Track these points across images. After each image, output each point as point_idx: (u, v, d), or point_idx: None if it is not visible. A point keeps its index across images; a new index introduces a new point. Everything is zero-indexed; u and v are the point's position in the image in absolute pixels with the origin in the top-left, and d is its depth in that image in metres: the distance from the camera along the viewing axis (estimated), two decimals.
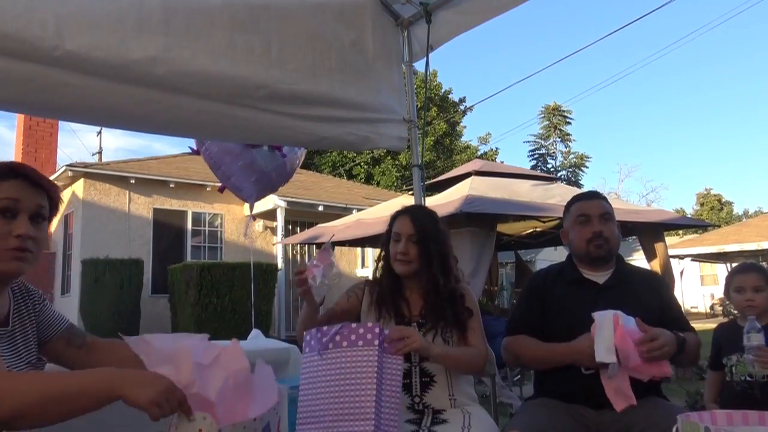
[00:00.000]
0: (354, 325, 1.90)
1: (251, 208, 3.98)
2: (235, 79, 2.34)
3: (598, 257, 2.25)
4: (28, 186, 1.48)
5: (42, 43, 1.92)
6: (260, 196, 3.74)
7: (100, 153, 24.37)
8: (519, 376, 6.60)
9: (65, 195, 13.23)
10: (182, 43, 2.22)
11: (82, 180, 12.22)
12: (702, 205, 49.16)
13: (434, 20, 2.97)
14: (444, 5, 2.92)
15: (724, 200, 49.33)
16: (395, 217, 2.30)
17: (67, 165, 12.17)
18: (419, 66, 3.28)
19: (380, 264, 2.34)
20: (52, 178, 12.73)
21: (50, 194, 1.54)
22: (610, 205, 2.35)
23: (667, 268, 7.73)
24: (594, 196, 2.38)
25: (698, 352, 2.17)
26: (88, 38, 2.01)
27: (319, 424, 1.78)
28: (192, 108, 2.30)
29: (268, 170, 3.51)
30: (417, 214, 2.29)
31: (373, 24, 2.92)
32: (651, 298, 2.22)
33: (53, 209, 1.57)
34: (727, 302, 19.51)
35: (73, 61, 1.99)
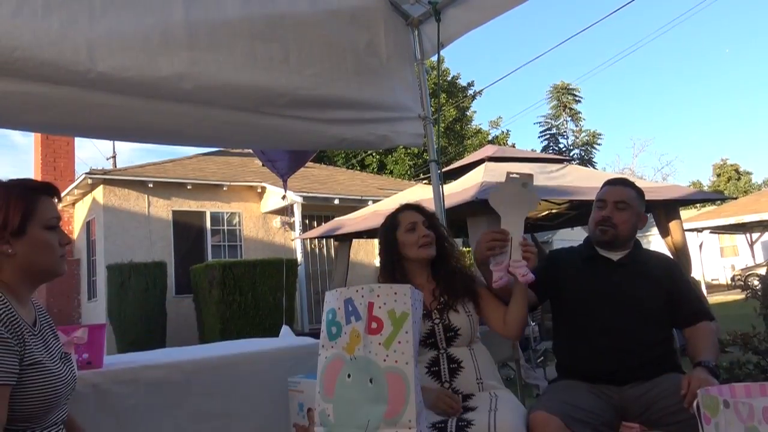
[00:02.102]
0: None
1: (285, 185, 4.08)
2: (258, 88, 2.44)
3: (601, 241, 2.36)
4: (55, 200, 1.69)
5: (76, 67, 2.03)
6: (291, 166, 3.83)
7: (114, 157, 24.63)
8: (542, 358, 6.69)
9: (86, 202, 13.47)
10: (206, 57, 2.32)
11: (101, 187, 12.41)
12: (719, 176, 48.65)
13: (444, 18, 3.04)
14: (453, 3, 2.98)
15: (741, 170, 48.76)
16: (396, 214, 2.42)
17: (87, 173, 12.36)
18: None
19: (387, 266, 2.38)
20: (71, 186, 12.98)
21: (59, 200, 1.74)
22: (636, 194, 2.43)
23: (682, 245, 7.69)
24: (618, 182, 2.47)
25: (717, 342, 2.21)
26: (119, 59, 2.11)
27: None
28: (219, 119, 2.41)
29: None
30: (415, 205, 2.46)
31: (385, 25, 3.00)
32: (662, 277, 2.31)
33: None
34: (749, 274, 19.37)
35: (106, 82, 2.10)
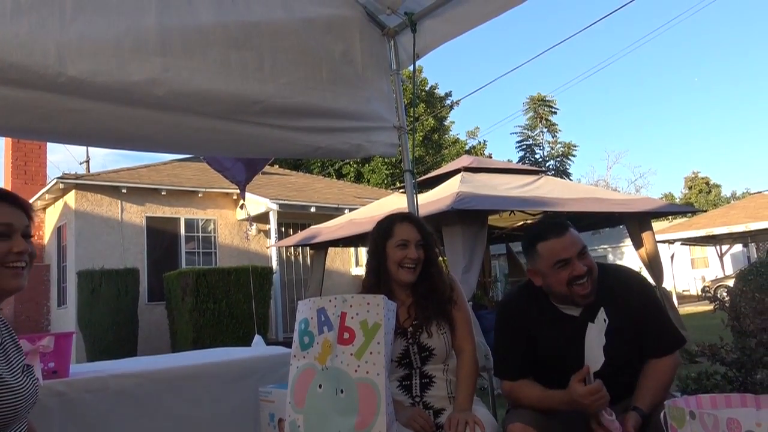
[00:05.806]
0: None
1: (243, 193, 4.03)
2: (231, 95, 2.42)
3: (584, 296, 2.06)
4: (14, 208, 1.59)
5: (46, 71, 1.99)
6: (246, 173, 3.79)
7: (87, 162, 24.28)
8: None
9: (57, 207, 13.25)
10: (179, 63, 2.29)
11: (73, 191, 12.22)
12: (690, 188, 49.63)
13: (420, 29, 3.04)
14: (429, 15, 2.99)
15: (711, 183, 49.77)
16: (393, 223, 2.29)
17: (59, 177, 12.16)
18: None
19: (372, 273, 2.31)
20: (43, 190, 12.76)
21: (28, 213, 1.64)
22: (577, 232, 2.15)
23: (654, 256, 7.88)
24: (563, 230, 2.09)
25: (667, 381, 2.07)
26: (89, 64, 2.08)
27: None
28: (192, 126, 2.38)
29: None
30: (416, 219, 2.35)
31: (361, 35, 3.00)
32: (626, 320, 2.10)
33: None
34: (718, 285, 19.75)
35: (76, 86, 2.06)
